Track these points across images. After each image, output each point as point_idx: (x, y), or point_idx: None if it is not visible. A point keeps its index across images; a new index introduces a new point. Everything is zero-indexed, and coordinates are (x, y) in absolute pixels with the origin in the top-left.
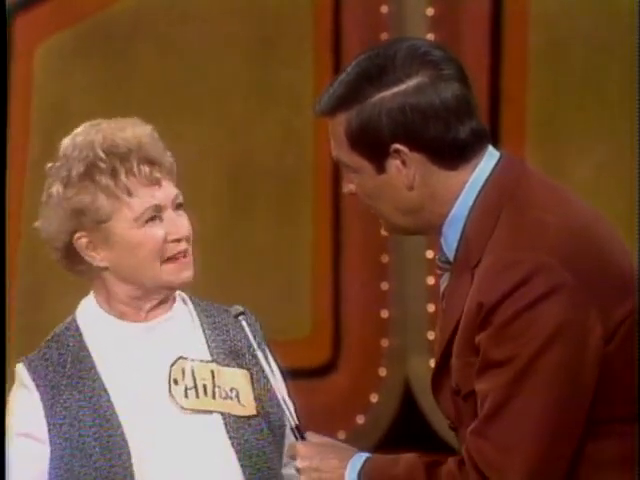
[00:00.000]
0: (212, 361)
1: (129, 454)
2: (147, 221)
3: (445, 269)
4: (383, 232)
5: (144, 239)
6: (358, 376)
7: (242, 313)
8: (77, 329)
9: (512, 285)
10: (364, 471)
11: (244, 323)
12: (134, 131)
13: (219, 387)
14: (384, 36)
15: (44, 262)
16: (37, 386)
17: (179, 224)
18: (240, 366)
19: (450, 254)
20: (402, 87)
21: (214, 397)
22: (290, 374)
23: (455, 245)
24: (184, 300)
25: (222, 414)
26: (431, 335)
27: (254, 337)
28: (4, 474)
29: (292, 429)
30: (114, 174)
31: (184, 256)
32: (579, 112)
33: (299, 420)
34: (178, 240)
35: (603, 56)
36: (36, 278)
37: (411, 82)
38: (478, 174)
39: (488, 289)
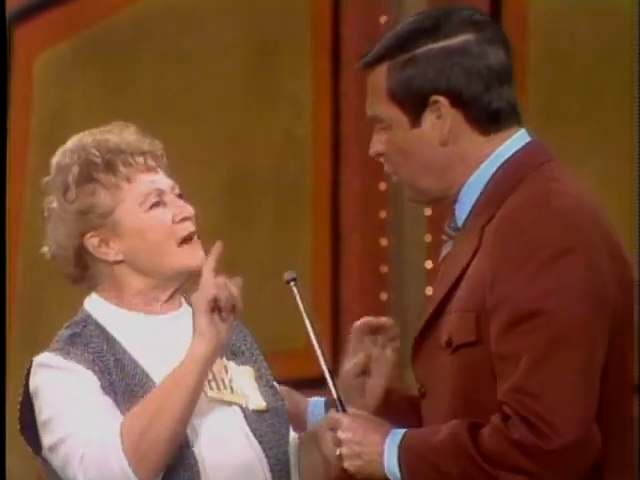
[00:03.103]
0: (221, 357)
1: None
2: (152, 206)
3: (452, 236)
4: (382, 242)
5: (152, 222)
6: None
7: (294, 279)
8: (97, 324)
9: (530, 238)
10: (404, 443)
11: (295, 290)
12: (120, 130)
13: (233, 381)
14: None
15: (44, 270)
16: (81, 364)
17: (181, 205)
18: (243, 364)
19: (461, 220)
20: (449, 42)
21: (232, 391)
22: (288, 385)
23: (469, 209)
24: (185, 302)
25: (241, 407)
26: None
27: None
28: (4, 473)
29: (334, 400)
30: (110, 167)
31: (197, 237)
32: (579, 120)
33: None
34: (186, 219)
35: (603, 64)
36: (35, 286)
37: (459, 39)
38: (507, 146)
39: (503, 242)
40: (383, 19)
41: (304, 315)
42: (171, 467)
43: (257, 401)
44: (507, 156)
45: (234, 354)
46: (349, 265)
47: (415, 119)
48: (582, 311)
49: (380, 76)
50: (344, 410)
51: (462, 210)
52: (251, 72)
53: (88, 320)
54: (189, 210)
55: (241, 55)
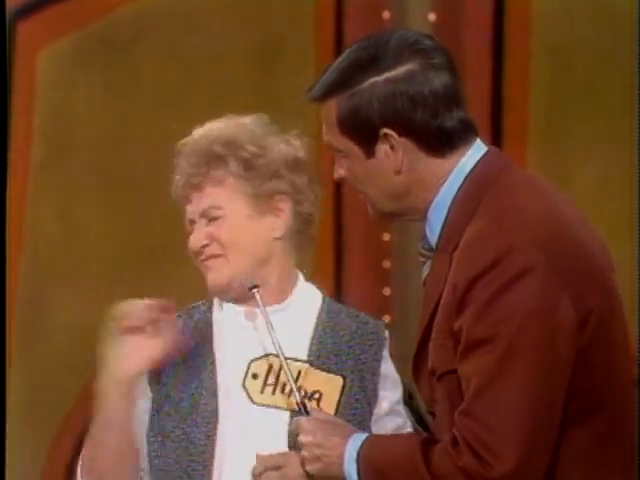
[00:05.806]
0: (306, 361)
1: (216, 424)
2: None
3: (428, 257)
4: (385, 237)
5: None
6: None
7: (256, 286)
8: (210, 305)
9: (485, 265)
10: (363, 450)
11: (258, 296)
12: (211, 127)
13: (301, 387)
14: None
15: (46, 271)
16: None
17: (193, 237)
18: (337, 372)
19: (433, 240)
20: (393, 73)
21: (290, 396)
22: None
23: (438, 231)
24: (314, 296)
25: (291, 413)
26: None
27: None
28: (4, 474)
29: (297, 403)
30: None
31: (207, 259)
32: (581, 118)
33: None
34: (192, 252)
35: (605, 62)
36: (37, 287)
37: (402, 69)
38: (464, 163)
39: (462, 270)
40: (386, 15)
41: (267, 323)
42: (182, 461)
43: (322, 410)
44: (467, 172)
45: (331, 360)
46: (352, 260)
47: (369, 151)
48: (533, 335)
49: (331, 109)
50: (307, 413)
51: (432, 230)
52: (253, 71)
53: (206, 302)
54: (193, 243)
55: (243, 54)
